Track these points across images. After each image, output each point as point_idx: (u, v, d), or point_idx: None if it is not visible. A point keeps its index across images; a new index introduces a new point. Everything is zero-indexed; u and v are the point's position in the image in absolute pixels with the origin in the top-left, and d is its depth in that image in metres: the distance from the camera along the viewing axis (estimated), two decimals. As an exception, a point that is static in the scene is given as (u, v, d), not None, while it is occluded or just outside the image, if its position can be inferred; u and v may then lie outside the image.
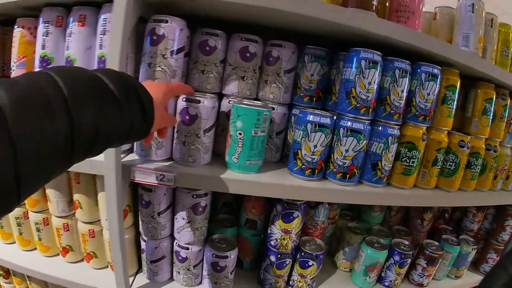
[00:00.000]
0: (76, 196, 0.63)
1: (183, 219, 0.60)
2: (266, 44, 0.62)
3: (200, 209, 0.60)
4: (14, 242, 0.75)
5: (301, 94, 0.65)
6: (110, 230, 0.55)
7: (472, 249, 0.83)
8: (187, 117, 0.54)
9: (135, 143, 0.58)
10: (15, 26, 0.62)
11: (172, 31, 0.52)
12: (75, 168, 0.48)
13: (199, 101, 0.54)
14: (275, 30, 0.64)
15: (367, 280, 0.74)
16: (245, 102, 0.56)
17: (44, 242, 0.70)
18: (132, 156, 0.58)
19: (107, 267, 0.70)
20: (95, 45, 0.57)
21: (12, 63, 0.63)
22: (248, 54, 0.59)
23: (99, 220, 0.65)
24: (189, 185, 0.56)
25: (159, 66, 0.53)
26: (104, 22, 0.55)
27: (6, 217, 0.73)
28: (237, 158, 0.56)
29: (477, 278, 0.89)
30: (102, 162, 0.51)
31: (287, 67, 0.62)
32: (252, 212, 0.69)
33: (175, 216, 0.61)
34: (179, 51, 0.54)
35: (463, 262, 0.85)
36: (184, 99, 0.54)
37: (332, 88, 0.65)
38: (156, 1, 0.54)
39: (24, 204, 0.69)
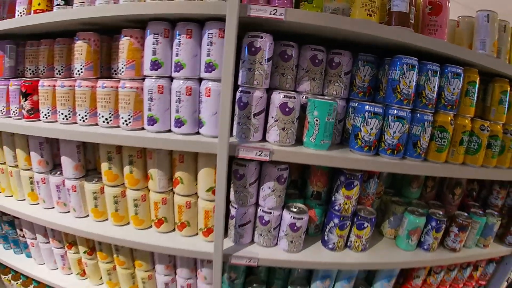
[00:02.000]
0: (178, 173, 1.11)
1: (269, 188, 1.10)
2: (329, 53, 1.14)
3: (283, 179, 1.11)
4: (107, 219, 1.24)
5: (356, 91, 1.17)
6: (217, 198, 1.02)
7: (497, 221, 1.37)
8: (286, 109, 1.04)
9: (235, 128, 1.07)
10: (122, 36, 1.10)
11: (266, 44, 1.02)
12: (188, 148, 0.99)
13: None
14: (335, 41, 1.16)
15: (409, 243, 1.26)
16: (319, 97, 1.08)
17: (139, 216, 1.18)
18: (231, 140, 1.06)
19: (197, 234, 1.19)
20: (201, 53, 1.06)
21: (121, 66, 1.10)
22: (317, 61, 1.11)
23: (196, 193, 1.14)
24: (281, 158, 1.05)
25: (257, 71, 1.03)
26: (210, 35, 1.03)
27: (102, 197, 1.21)
28: (314, 139, 1.07)
29: (503, 249, 1.44)
30: (217, 144, 1.00)
31: (345, 70, 1.13)
32: (318, 185, 1.20)
33: (262, 187, 1.11)
34: (269, 59, 1.05)
35: (490, 232, 1.38)
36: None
37: (379, 85, 1.18)
38: (253, 22, 1.04)
39: (123, 183, 1.19)
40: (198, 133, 1.10)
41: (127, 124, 1.09)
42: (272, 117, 1.06)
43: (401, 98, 1.06)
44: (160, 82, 1.05)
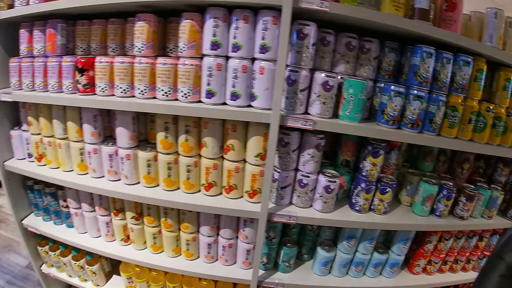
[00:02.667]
0: (230, 141, 1.43)
1: (308, 154, 1.44)
2: (361, 40, 1.49)
3: (320, 147, 1.44)
4: (158, 185, 1.54)
5: (383, 73, 1.52)
6: (267, 163, 1.34)
7: (500, 194, 1.75)
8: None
9: (283, 101, 1.40)
10: (183, 18, 1.40)
11: (312, 31, 1.36)
12: (243, 117, 1.33)
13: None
14: (366, 30, 1.52)
15: (424, 209, 1.63)
16: (354, 77, 1.43)
17: (191, 180, 1.48)
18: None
19: (241, 196, 1.51)
20: (255, 36, 1.39)
21: (182, 45, 1.38)
22: (351, 46, 1.45)
23: (243, 159, 1.47)
24: (323, 128, 1.39)
25: (304, 53, 1.37)
26: (265, 22, 1.35)
27: (155, 164, 1.51)
28: (348, 112, 1.41)
29: (505, 221, 1.84)
30: (270, 114, 1.34)
31: (374, 55, 1.48)
32: (347, 154, 1.55)
33: (302, 153, 1.45)
34: (314, 44, 1.39)
35: (493, 205, 1.77)
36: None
37: (402, 70, 1.54)
38: (300, 11, 1.38)
39: (177, 151, 1.50)
40: (249, 105, 1.42)
41: (186, 97, 1.40)
42: (315, 93, 1.39)
43: (421, 81, 1.41)
44: (218, 61, 1.36)
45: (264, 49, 1.34)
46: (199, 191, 1.55)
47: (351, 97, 1.38)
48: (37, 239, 1.99)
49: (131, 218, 1.64)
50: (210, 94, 1.37)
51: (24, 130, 1.80)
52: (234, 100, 1.38)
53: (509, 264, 0.62)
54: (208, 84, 1.37)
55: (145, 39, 1.40)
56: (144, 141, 1.64)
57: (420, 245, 1.80)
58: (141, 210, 1.64)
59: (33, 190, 1.87)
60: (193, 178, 1.50)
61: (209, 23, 1.35)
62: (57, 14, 1.59)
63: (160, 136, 1.46)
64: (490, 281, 0.64)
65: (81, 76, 1.49)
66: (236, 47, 1.35)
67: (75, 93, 1.56)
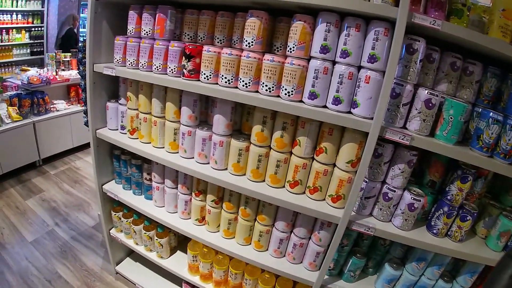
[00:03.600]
0: (324, 144, 1.35)
1: (399, 169, 1.34)
2: (465, 61, 1.35)
3: (412, 164, 1.35)
4: (245, 174, 1.51)
5: (482, 98, 1.39)
6: (359, 171, 1.28)
7: None
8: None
9: (384, 118, 1.30)
10: (295, 20, 1.33)
11: (421, 47, 1.25)
12: (343, 123, 1.25)
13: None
14: (468, 51, 1.38)
15: (498, 244, 1.49)
16: (455, 99, 1.30)
17: (278, 176, 1.45)
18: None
19: (324, 199, 1.42)
20: (365, 45, 1.28)
21: (292, 45, 1.33)
22: (455, 67, 1.33)
23: (333, 163, 1.37)
24: (419, 145, 1.28)
25: (411, 68, 1.26)
26: (377, 32, 1.26)
27: (246, 154, 1.46)
28: (446, 133, 1.30)
29: None
30: (371, 124, 1.22)
31: (476, 78, 1.36)
32: (435, 175, 1.43)
33: (393, 167, 1.35)
34: (421, 60, 1.27)
35: None
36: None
37: (501, 97, 1.40)
38: (413, 25, 1.25)
39: (269, 145, 1.41)
40: (349, 112, 1.31)
41: (289, 95, 1.32)
42: (416, 109, 1.30)
43: (521, 112, 1.28)
44: (326, 64, 1.29)
45: (372, 58, 1.29)
46: (283, 186, 1.49)
47: (451, 118, 1.28)
48: (113, 205, 2.02)
49: (211, 201, 1.66)
50: (313, 96, 1.30)
51: (120, 104, 1.83)
52: (336, 105, 1.30)
53: None
54: (313, 86, 1.31)
55: (256, 34, 1.36)
56: (237, 131, 1.63)
57: (484, 281, 1.63)
58: (222, 195, 1.66)
59: (119, 159, 1.91)
60: (281, 173, 1.47)
61: (321, 27, 1.32)
62: (167, 0, 1.52)
63: (256, 128, 1.43)
64: (501, 281, 0.60)
65: (188, 61, 1.45)
66: (345, 54, 1.29)
67: (179, 76, 1.50)
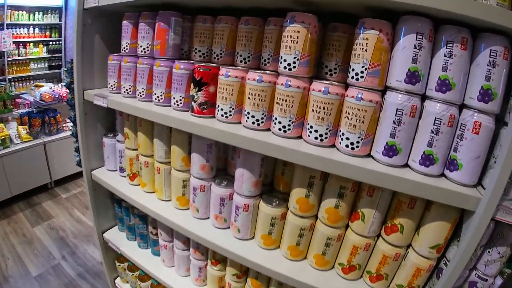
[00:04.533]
0: (400, 220, 0.79)
1: (498, 253, 0.76)
2: None
3: None
4: (278, 248, 0.97)
5: None
6: (458, 262, 0.71)
7: None
8: None
9: None
10: (362, 27, 0.73)
11: None
12: (431, 196, 0.71)
13: None
14: None
15: None
16: None
17: (326, 257, 0.88)
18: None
19: (397, 292, 0.88)
20: (474, 73, 0.69)
21: (361, 68, 0.73)
22: None
23: (409, 244, 0.82)
24: None
25: None
26: (494, 54, 0.67)
27: (280, 224, 0.92)
28: None
29: None
30: (480, 199, 0.67)
31: None
32: None
33: (489, 249, 0.77)
34: None
35: None
36: None
37: None
38: None
39: (316, 215, 0.87)
40: (442, 174, 0.75)
41: (352, 148, 0.75)
42: None
43: None
44: (414, 102, 0.71)
45: (486, 95, 0.69)
46: (332, 268, 0.93)
47: None
48: (116, 254, 1.46)
49: (233, 275, 1.10)
50: (392, 151, 0.74)
51: (118, 141, 1.25)
52: (427, 166, 0.74)
53: None
54: (393, 136, 0.73)
55: (300, 50, 0.77)
56: (267, 185, 1.03)
57: None
58: (247, 269, 1.07)
59: (120, 205, 1.39)
60: (331, 253, 0.92)
61: (409, 40, 0.71)
62: (171, 4, 0.97)
63: (298, 192, 0.88)
64: None
65: (198, 91, 0.90)
66: (445, 85, 0.71)
67: (186, 111, 0.96)
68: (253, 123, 0.86)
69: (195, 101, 0.93)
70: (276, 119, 0.83)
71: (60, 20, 5.45)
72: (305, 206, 0.86)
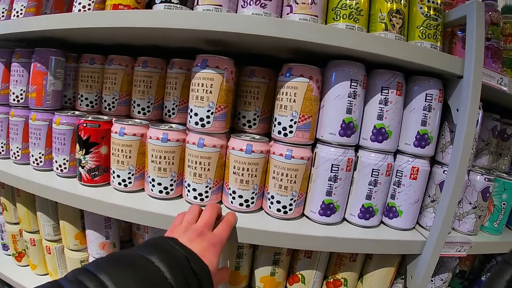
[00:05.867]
0: (343, 274, 0.51)
1: (441, 280, 0.57)
2: (502, 122, 0.63)
3: (454, 268, 0.58)
4: None
5: None
6: None
7: None
8: None
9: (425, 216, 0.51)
10: (288, 74, 0.43)
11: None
12: (383, 249, 0.43)
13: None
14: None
15: None
16: (507, 178, 0.57)
17: None
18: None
19: None
20: (407, 118, 0.47)
21: (289, 121, 0.44)
22: (496, 132, 0.60)
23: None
24: (478, 251, 0.54)
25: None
26: (429, 98, 0.45)
27: None
28: (497, 224, 0.57)
29: None
30: (424, 242, 0.44)
31: None
32: (465, 264, 0.70)
33: (432, 278, 0.57)
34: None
35: None
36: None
37: None
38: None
39: (248, 284, 0.53)
40: (380, 223, 0.50)
41: (285, 212, 0.46)
42: (471, 204, 0.52)
43: None
44: (350, 154, 0.45)
45: (423, 140, 0.48)
46: None
47: (504, 204, 0.51)
48: None
49: None
50: (329, 209, 0.46)
51: None
52: (367, 219, 0.47)
53: None
54: (329, 194, 0.45)
55: (215, 102, 0.46)
56: None
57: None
58: None
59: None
60: None
61: (341, 88, 0.45)
62: (51, 39, 0.53)
63: (263, 271, 0.51)
64: (497, 286, 0.37)
65: (86, 154, 0.47)
66: (382, 134, 0.47)
67: (73, 177, 0.52)
68: (161, 191, 0.49)
69: (82, 167, 0.51)
70: (189, 185, 0.48)
71: None
72: (238, 280, 0.52)
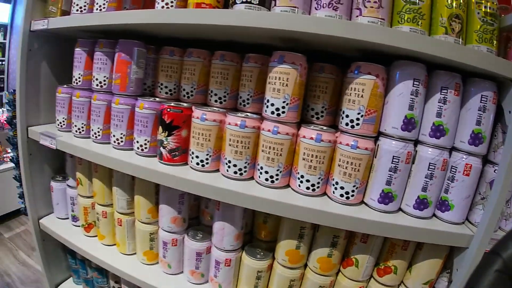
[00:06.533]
0: (394, 262, 0.57)
1: None
2: None
3: None
4: None
5: None
6: None
7: None
8: None
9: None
10: (357, 71, 0.51)
11: None
12: (431, 239, 0.50)
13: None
14: None
15: None
16: None
17: None
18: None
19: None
20: (465, 118, 0.52)
21: (356, 115, 0.50)
22: None
23: (400, 282, 0.61)
24: None
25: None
26: (484, 99, 0.51)
27: (266, 276, 0.63)
28: None
29: None
30: (472, 236, 0.49)
31: None
32: None
33: None
34: None
35: None
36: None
37: None
38: None
39: (305, 265, 0.60)
40: (433, 215, 0.56)
41: (347, 198, 0.52)
42: None
43: None
44: (409, 148, 0.50)
45: (477, 138, 0.53)
46: None
47: None
48: None
49: None
50: (388, 198, 0.51)
51: (69, 186, 0.81)
52: (421, 210, 0.54)
53: (504, 260, 0.38)
54: (389, 183, 0.52)
55: (290, 94, 0.53)
56: (247, 234, 0.72)
57: None
58: None
59: (74, 257, 0.94)
60: None
61: (405, 86, 0.51)
62: (132, 31, 0.63)
63: (288, 244, 0.61)
64: (486, 276, 0.39)
65: (168, 136, 0.55)
66: (440, 131, 0.53)
67: (152, 156, 0.61)
68: (235, 172, 0.57)
69: (164, 147, 0.60)
70: (262, 168, 0.56)
71: (4, 39, 3.84)
72: (296, 258, 0.60)
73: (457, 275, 0.56)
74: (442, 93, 0.52)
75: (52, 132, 0.78)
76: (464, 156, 0.54)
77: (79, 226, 0.83)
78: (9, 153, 2.51)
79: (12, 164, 2.28)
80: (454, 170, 0.55)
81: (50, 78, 0.85)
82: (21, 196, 1.07)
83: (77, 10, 0.72)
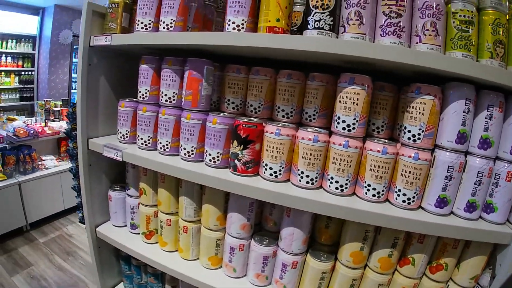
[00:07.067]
0: (445, 260, 0.66)
1: None
2: None
3: None
4: None
5: None
6: None
7: None
8: None
9: None
10: (417, 92, 0.60)
11: None
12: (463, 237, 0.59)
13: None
14: None
15: None
16: None
17: None
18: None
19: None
20: (507, 131, 0.62)
21: (418, 131, 0.60)
22: None
23: (449, 279, 0.69)
24: None
25: None
26: None
27: (328, 277, 0.70)
28: None
29: None
30: None
31: None
32: None
33: None
34: None
35: None
36: None
37: None
38: None
39: (366, 265, 0.68)
40: (480, 218, 0.65)
41: (409, 203, 0.61)
42: None
43: None
44: (461, 159, 0.60)
45: None
46: None
47: None
48: None
49: None
50: (443, 202, 0.62)
51: (129, 195, 0.87)
52: (471, 212, 0.63)
53: None
54: (444, 189, 0.62)
55: (359, 112, 0.62)
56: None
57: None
58: None
59: (128, 263, 0.98)
60: None
61: (459, 105, 0.62)
62: (196, 50, 0.76)
63: (352, 246, 0.70)
64: None
65: (243, 149, 0.63)
66: (487, 143, 0.63)
67: (224, 168, 0.69)
68: (307, 182, 0.66)
69: (239, 160, 0.68)
70: (332, 178, 0.65)
71: (33, 50, 4.11)
72: (359, 259, 0.69)
73: (501, 269, 0.65)
74: (488, 110, 0.63)
75: (115, 144, 0.84)
76: (506, 165, 0.64)
77: (138, 233, 0.89)
78: (43, 160, 2.56)
79: (46, 171, 2.53)
80: (498, 177, 0.65)
81: (109, 92, 0.92)
82: (79, 206, 1.10)
83: (142, 28, 0.78)
